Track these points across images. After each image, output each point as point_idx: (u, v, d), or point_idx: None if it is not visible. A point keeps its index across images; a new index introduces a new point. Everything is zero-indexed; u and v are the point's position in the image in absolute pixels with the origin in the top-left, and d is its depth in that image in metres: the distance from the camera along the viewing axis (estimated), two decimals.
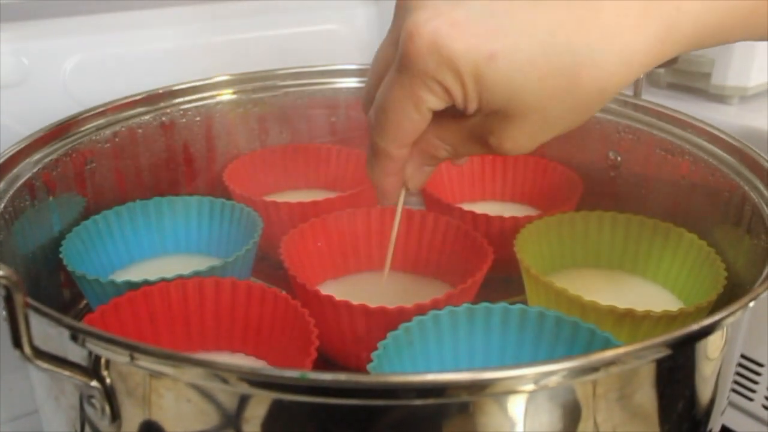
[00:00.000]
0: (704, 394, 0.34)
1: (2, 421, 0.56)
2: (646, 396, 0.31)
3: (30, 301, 0.29)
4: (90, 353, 0.30)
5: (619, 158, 0.55)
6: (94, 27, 0.59)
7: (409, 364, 0.38)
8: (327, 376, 0.26)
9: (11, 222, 0.42)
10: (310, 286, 0.41)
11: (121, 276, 0.49)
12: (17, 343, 0.29)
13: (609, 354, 0.28)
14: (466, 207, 0.52)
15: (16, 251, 0.43)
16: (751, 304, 0.32)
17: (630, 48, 0.31)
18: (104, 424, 0.31)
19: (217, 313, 0.42)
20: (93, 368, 0.30)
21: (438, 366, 0.39)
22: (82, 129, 0.51)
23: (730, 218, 0.46)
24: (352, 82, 0.63)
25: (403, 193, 0.40)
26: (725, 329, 0.33)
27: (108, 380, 0.30)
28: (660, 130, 0.52)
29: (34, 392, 0.38)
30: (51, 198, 0.48)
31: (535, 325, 0.38)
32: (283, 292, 0.41)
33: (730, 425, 0.57)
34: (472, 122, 0.34)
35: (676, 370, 0.32)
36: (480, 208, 0.53)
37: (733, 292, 0.42)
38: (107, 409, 0.30)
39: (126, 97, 0.55)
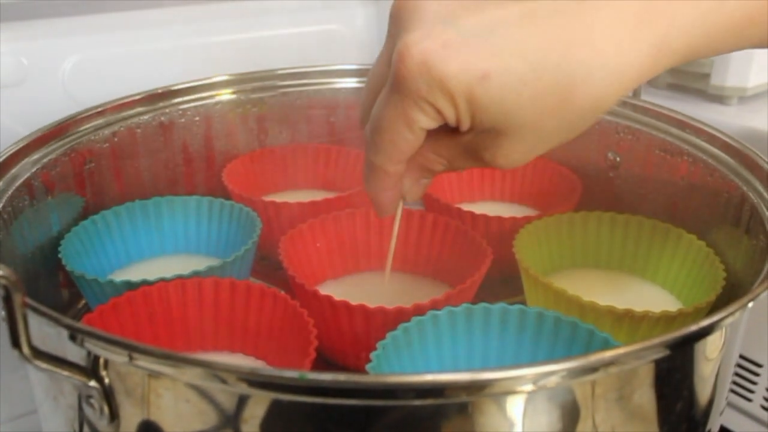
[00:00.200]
0: (703, 394, 0.34)
1: (2, 420, 0.56)
2: (644, 396, 0.31)
3: (29, 301, 0.29)
4: (89, 353, 0.30)
5: (618, 159, 0.55)
6: (93, 27, 0.59)
7: (408, 364, 0.38)
8: (326, 377, 0.26)
9: (10, 222, 0.42)
10: (309, 286, 0.41)
11: (120, 276, 0.49)
12: (16, 343, 0.29)
13: (608, 354, 0.28)
14: (465, 207, 0.52)
15: (14, 251, 0.43)
16: (750, 304, 0.32)
17: (622, 64, 0.31)
18: (103, 424, 0.31)
19: (216, 313, 0.42)
20: (92, 368, 0.30)
21: (437, 366, 0.39)
22: (81, 129, 0.51)
23: (729, 219, 0.46)
24: (351, 83, 0.63)
25: (401, 205, 0.40)
26: (724, 330, 0.33)
27: (107, 380, 0.30)
28: (659, 130, 0.52)
29: (32, 392, 0.38)
30: (50, 198, 0.48)
31: (534, 325, 0.38)
32: (282, 293, 0.41)
33: (729, 425, 0.57)
34: (466, 138, 0.34)
35: (674, 371, 0.32)
36: (479, 208, 0.53)
37: (731, 293, 0.42)
38: (106, 409, 0.30)
39: (125, 97, 0.55)
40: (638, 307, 0.40)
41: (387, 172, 0.36)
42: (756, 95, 0.64)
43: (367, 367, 0.34)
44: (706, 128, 0.49)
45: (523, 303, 0.40)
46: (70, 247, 0.46)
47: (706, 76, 0.63)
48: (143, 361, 0.28)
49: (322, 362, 0.43)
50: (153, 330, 0.41)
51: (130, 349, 0.28)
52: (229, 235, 0.52)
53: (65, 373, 0.30)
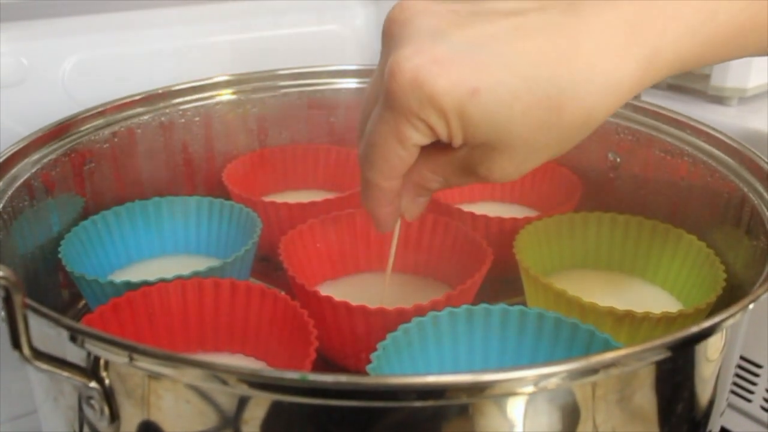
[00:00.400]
0: (703, 395, 0.34)
1: (1, 420, 0.56)
2: (645, 398, 0.31)
3: (29, 301, 0.29)
4: (89, 354, 0.30)
5: (618, 159, 0.55)
6: (94, 27, 0.59)
7: (408, 365, 0.38)
8: (327, 378, 0.26)
9: (10, 222, 0.42)
10: (309, 286, 0.41)
11: (120, 276, 0.49)
12: (16, 343, 0.29)
13: (609, 356, 0.28)
14: (466, 208, 0.52)
15: (15, 251, 0.43)
16: (751, 306, 0.32)
17: (613, 78, 0.31)
18: (103, 425, 0.31)
19: (216, 314, 0.42)
20: (92, 369, 0.30)
21: (437, 367, 0.39)
22: (81, 129, 0.51)
23: (729, 219, 0.46)
24: (351, 83, 0.63)
25: (399, 222, 0.40)
26: (725, 331, 0.33)
27: (107, 381, 0.30)
28: (659, 131, 0.52)
29: (33, 393, 0.38)
30: (50, 198, 0.48)
31: (534, 326, 0.38)
32: (283, 293, 0.41)
33: (729, 426, 0.57)
34: (460, 154, 0.34)
35: (675, 372, 0.31)
36: (479, 209, 0.53)
37: (732, 294, 0.42)
38: (106, 410, 0.30)
39: (125, 97, 0.55)
40: (639, 308, 0.40)
41: (382, 189, 0.36)
42: (756, 96, 0.64)
43: (368, 368, 0.34)
44: (706, 129, 0.49)
45: (524, 304, 0.40)
46: (70, 248, 0.46)
47: (706, 77, 0.63)
48: (143, 362, 0.28)
49: (322, 363, 0.43)
50: (153, 330, 0.41)
51: (131, 350, 0.28)
52: (229, 235, 0.52)
53: (65, 374, 0.30)
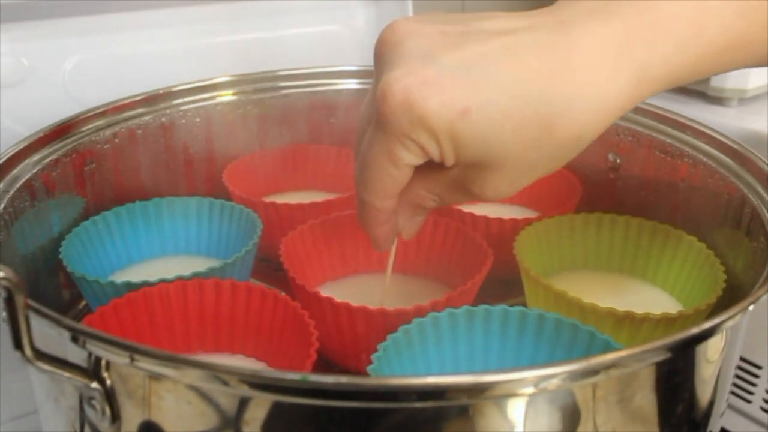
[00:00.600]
0: (704, 396, 0.34)
1: (2, 421, 0.56)
2: (645, 399, 0.31)
3: (31, 302, 0.29)
4: (90, 355, 0.30)
5: (618, 160, 0.55)
6: (94, 28, 0.59)
7: (408, 366, 0.38)
8: (328, 379, 0.26)
9: (11, 223, 0.42)
10: (310, 287, 0.41)
11: (121, 277, 0.49)
12: (18, 344, 0.29)
13: (609, 357, 0.28)
14: (466, 209, 0.52)
15: (16, 252, 0.43)
16: (751, 307, 0.32)
17: (604, 95, 0.31)
18: (104, 425, 0.31)
19: (216, 315, 0.42)
20: (93, 370, 0.30)
21: (437, 368, 0.39)
22: (82, 130, 0.51)
23: (730, 221, 0.46)
24: (352, 84, 0.63)
25: (396, 240, 0.41)
26: (725, 332, 0.33)
27: (108, 382, 0.30)
28: (659, 132, 0.52)
29: (33, 393, 0.38)
30: (51, 199, 0.48)
31: (534, 327, 0.38)
32: (283, 294, 0.41)
33: (728, 427, 0.57)
34: (453, 173, 0.35)
35: (675, 373, 0.32)
36: (479, 209, 0.53)
37: (732, 295, 0.42)
38: (107, 410, 0.30)
39: (126, 98, 0.55)
40: (639, 309, 0.40)
41: (377, 209, 0.37)
42: (756, 97, 0.64)
43: (368, 368, 0.34)
44: (706, 130, 0.50)
45: (524, 305, 0.40)
46: (70, 248, 0.46)
47: (707, 79, 0.63)
48: (145, 363, 0.28)
49: (322, 364, 0.43)
50: (153, 331, 0.41)
51: (132, 350, 0.28)
52: (230, 236, 0.52)
53: (67, 374, 0.30)
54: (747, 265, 0.43)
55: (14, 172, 0.45)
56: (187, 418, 0.29)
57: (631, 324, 0.40)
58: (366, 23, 0.72)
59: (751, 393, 0.56)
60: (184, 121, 0.58)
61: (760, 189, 0.44)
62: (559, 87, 0.31)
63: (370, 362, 0.34)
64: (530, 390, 0.27)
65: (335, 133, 0.64)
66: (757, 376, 0.55)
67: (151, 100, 0.56)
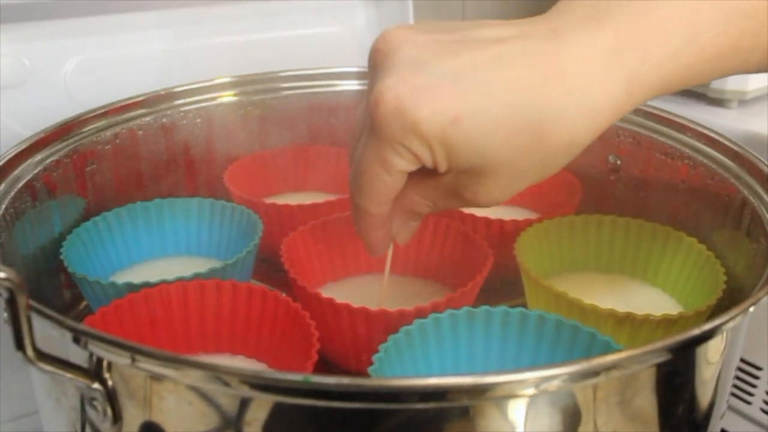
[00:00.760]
0: (704, 398, 0.34)
1: (2, 421, 0.56)
2: (646, 400, 0.31)
3: (32, 303, 0.29)
4: (92, 355, 0.30)
5: (618, 162, 0.55)
6: (95, 28, 0.60)
7: (409, 367, 0.38)
8: (329, 380, 0.26)
9: (12, 223, 0.43)
10: (311, 288, 0.41)
11: (122, 278, 0.49)
12: (20, 345, 0.29)
13: (610, 358, 0.28)
14: (466, 210, 0.52)
15: (17, 252, 0.43)
16: (752, 308, 0.32)
17: (595, 103, 0.31)
18: (105, 426, 0.31)
19: (217, 316, 0.42)
20: (95, 370, 0.30)
21: (438, 369, 0.39)
22: (83, 130, 0.51)
23: (730, 222, 0.46)
24: (352, 85, 0.63)
25: (391, 246, 0.41)
26: (725, 334, 0.33)
27: (110, 382, 0.30)
28: (659, 134, 0.53)
29: (34, 394, 0.38)
30: (52, 199, 0.48)
31: (535, 328, 0.38)
32: (284, 295, 0.41)
33: (728, 428, 0.57)
34: (446, 179, 0.35)
35: (676, 375, 0.32)
36: (480, 211, 0.53)
37: (732, 296, 0.42)
38: (109, 411, 0.30)
39: (127, 99, 0.55)
40: (639, 311, 0.40)
41: (372, 214, 0.37)
42: (756, 98, 0.64)
43: (369, 369, 0.34)
44: (706, 132, 0.50)
45: (525, 306, 0.40)
46: (71, 249, 0.46)
47: None
48: (146, 363, 0.28)
49: (323, 365, 0.43)
50: (154, 332, 0.41)
51: (133, 351, 0.28)
52: (231, 237, 0.52)
53: (68, 375, 0.30)
54: (747, 266, 0.43)
55: (15, 172, 0.45)
56: (188, 419, 0.29)
57: (632, 325, 0.40)
58: (366, 24, 0.72)
59: (751, 394, 0.56)
60: (185, 121, 0.58)
61: (760, 190, 0.44)
62: (550, 95, 0.31)
63: (371, 363, 0.34)
64: (531, 391, 0.28)
65: (336, 134, 0.64)
66: (757, 378, 0.55)
67: (152, 100, 0.56)
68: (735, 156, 0.47)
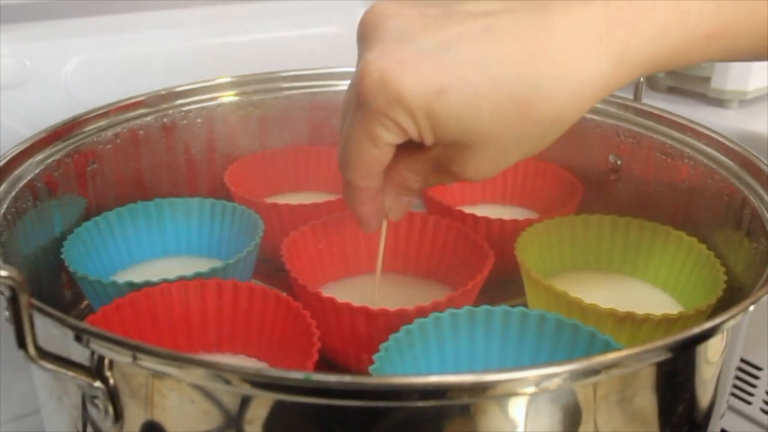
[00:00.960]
0: (704, 397, 0.34)
1: (3, 421, 0.56)
2: (646, 399, 0.31)
3: (34, 301, 0.29)
4: (93, 353, 0.30)
5: (619, 162, 0.55)
6: (96, 28, 0.60)
7: (410, 366, 0.38)
8: (331, 378, 0.26)
9: (14, 223, 0.43)
10: (312, 288, 0.41)
11: (123, 277, 0.49)
12: (22, 343, 0.29)
13: (610, 357, 0.28)
14: (467, 210, 0.52)
15: (18, 252, 0.43)
16: (751, 308, 0.32)
17: (582, 77, 0.31)
18: (107, 424, 0.31)
19: (218, 315, 0.42)
20: (96, 369, 0.30)
21: (439, 368, 0.39)
22: (84, 130, 0.51)
23: (730, 222, 0.46)
24: None
25: (385, 223, 0.41)
26: (725, 333, 0.33)
27: (111, 381, 0.30)
28: (660, 133, 0.53)
29: (36, 392, 0.38)
30: (53, 199, 0.48)
31: (535, 327, 0.38)
32: (285, 294, 0.41)
33: (728, 428, 0.57)
34: (434, 153, 0.35)
35: (676, 374, 0.32)
36: (480, 210, 0.53)
37: (732, 296, 0.42)
38: (110, 409, 0.30)
39: (127, 99, 0.55)
40: (639, 310, 0.40)
41: (361, 188, 0.37)
42: (756, 98, 0.64)
43: (370, 368, 0.34)
44: (706, 131, 0.50)
45: (525, 305, 0.40)
46: (72, 248, 0.46)
47: (707, 80, 0.63)
48: (148, 362, 0.28)
49: (324, 364, 0.43)
50: (155, 331, 0.41)
51: (135, 349, 0.28)
52: (231, 236, 0.52)
53: (70, 373, 0.30)
54: (747, 266, 0.43)
55: (17, 172, 0.45)
56: (190, 417, 0.29)
57: (632, 325, 0.40)
58: None
59: (751, 394, 0.56)
60: (185, 121, 0.58)
61: (761, 190, 0.44)
62: (537, 68, 0.31)
63: (371, 362, 0.35)
64: (531, 389, 0.28)
65: (336, 134, 0.64)
66: (757, 378, 0.55)
67: (153, 100, 0.56)
68: (735, 156, 0.47)
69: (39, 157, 0.47)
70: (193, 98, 0.58)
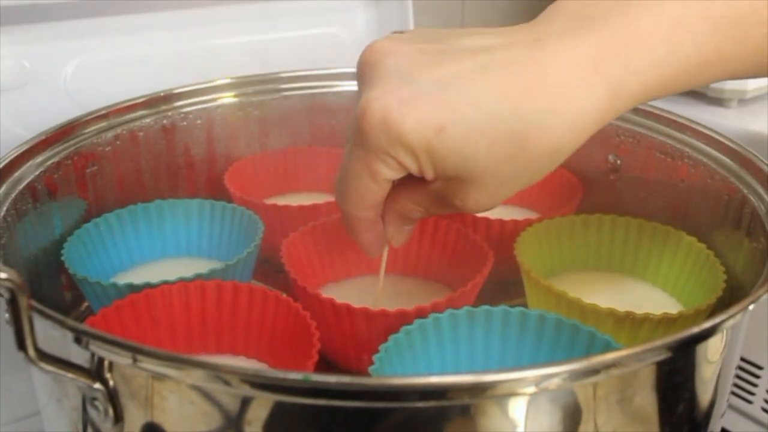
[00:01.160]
0: (704, 396, 0.34)
1: (3, 422, 0.56)
2: (646, 398, 0.31)
3: (34, 303, 0.29)
4: (93, 355, 0.30)
5: (618, 161, 0.55)
6: (96, 30, 0.60)
7: (409, 366, 0.38)
8: (331, 378, 0.26)
9: (13, 225, 0.43)
10: (312, 289, 0.41)
11: (123, 279, 0.49)
12: (21, 345, 0.29)
13: (610, 356, 0.28)
14: None
15: (18, 254, 0.43)
16: (751, 307, 0.32)
17: (578, 110, 0.32)
18: (107, 426, 0.31)
19: (218, 316, 0.42)
20: (96, 370, 0.30)
21: (439, 369, 0.39)
22: (84, 132, 0.51)
23: (730, 221, 0.46)
24: (352, 86, 0.63)
25: (386, 248, 0.41)
26: (725, 332, 0.33)
27: (111, 382, 0.30)
28: (659, 133, 0.53)
29: (36, 394, 0.38)
30: (53, 201, 0.48)
31: (535, 327, 0.38)
32: (284, 295, 0.41)
33: (729, 427, 0.57)
34: (435, 186, 0.35)
35: (676, 373, 0.32)
36: None
37: (732, 295, 0.42)
38: (110, 411, 0.30)
39: (127, 100, 0.55)
40: (639, 310, 0.40)
41: (358, 219, 0.38)
42: (756, 98, 0.64)
43: (370, 369, 0.34)
44: (706, 131, 0.50)
45: (525, 305, 0.40)
46: (72, 250, 0.46)
47: None
48: (147, 363, 0.28)
49: (323, 365, 0.43)
50: (155, 332, 0.41)
51: (135, 351, 0.28)
52: (231, 237, 0.52)
53: (70, 375, 0.30)
54: (747, 265, 0.43)
55: (16, 174, 0.45)
56: (190, 419, 0.29)
57: (632, 324, 0.40)
58: (366, 25, 0.73)
59: (752, 393, 0.56)
60: (185, 123, 0.58)
61: (760, 189, 0.44)
62: (532, 103, 0.31)
63: (371, 363, 0.35)
64: (531, 389, 0.28)
65: (336, 135, 0.64)
66: (757, 377, 0.55)
67: (153, 102, 0.56)
68: (735, 155, 0.47)
69: (39, 159, 0.47)
70: (192, 99, 0.58)
